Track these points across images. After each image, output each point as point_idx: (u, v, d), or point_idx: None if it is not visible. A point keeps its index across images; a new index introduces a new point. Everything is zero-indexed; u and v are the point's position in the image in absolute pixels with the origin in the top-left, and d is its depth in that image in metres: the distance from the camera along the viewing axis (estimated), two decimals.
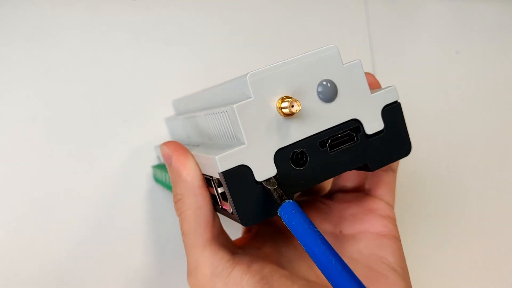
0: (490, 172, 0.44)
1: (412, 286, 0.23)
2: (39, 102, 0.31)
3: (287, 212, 0.18)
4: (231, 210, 0.19)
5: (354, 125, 0.20)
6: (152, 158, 0.32)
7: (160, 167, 0.30)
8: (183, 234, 0.22)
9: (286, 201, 0.18)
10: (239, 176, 0.18)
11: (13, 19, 0.31)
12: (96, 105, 0.32)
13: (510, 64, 0.47)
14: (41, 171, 0.30)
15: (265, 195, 0.19)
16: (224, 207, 0.20)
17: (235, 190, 0.18)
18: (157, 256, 0.32)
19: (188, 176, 0.21)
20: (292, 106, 0.18)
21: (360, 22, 0.42)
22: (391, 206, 0.25)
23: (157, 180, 0.31)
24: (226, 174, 0.18)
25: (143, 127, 0.33)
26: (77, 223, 0.31)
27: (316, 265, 0.17)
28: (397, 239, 0.24)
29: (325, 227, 0.25)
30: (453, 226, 0.42)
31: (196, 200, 0.21)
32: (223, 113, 0.20)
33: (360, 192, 0.26)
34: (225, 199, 0.20)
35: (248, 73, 0.18)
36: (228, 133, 0.20)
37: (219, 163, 0.18)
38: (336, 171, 0.20)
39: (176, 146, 0.22)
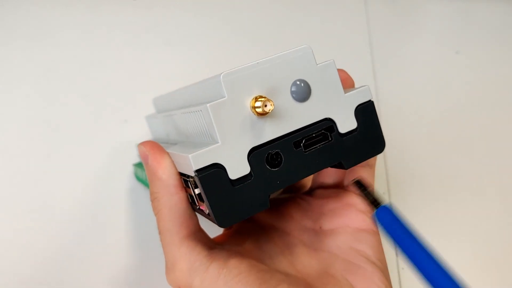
0: (490, 172, 0.44)
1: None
2: (39, 102, 0.31)
3: (386, 216, 0.18)
4: (208, 211, 0.20)
5: (328, 125, 0.20)
6: None
7: (141, 165, 0.30)
8: (159, 232, 0.22)
9: (382, 205, 0.18)
10: (213, 176, 0.19)
11: (13, 19, 0.31)
12: (96, 105, 0.32)
13: (510, 64, 0.47)
14: (37, 171, 0.30)
15: (241, 195, 0.19)
16: (201, 207, 0.21)
17: (210, 190, 0.19)
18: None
19: (164, 174, 0.21)
20: (265, 106, 0.18)
21: (360, 22, 0.42)
22: None
23: (138, 178, 0.31)
24: (200, 175, 0.18)
25: (145, 127, 0.33)
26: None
27: (416, 269, 0.17)
28: (375, 233, 0.24)
29: (305, 223, 0.26)
30: (453, 227, 0.42)
31: (172, 198, 0.21)
32: (197, 112, 0.20)
33: (339, 188, 0.26)
34: (202, 200, 0.20)
35: (221, 73, 0.19)
36: (203, 132, 0.20)
37: (193, 162, 0.18)
38: (310, 171, 0.20)
39: (152, 145, 0.23)
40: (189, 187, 0.21)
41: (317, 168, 0.21)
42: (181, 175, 0.21)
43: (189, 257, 0.21)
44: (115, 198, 0.32)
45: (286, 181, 0.20)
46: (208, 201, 0.19)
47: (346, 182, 0.26)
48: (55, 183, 0.30)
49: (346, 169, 0.21)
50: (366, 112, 0.21)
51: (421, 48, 0.44)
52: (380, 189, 0.39)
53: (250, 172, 0.19)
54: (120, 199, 0.32)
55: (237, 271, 0.20)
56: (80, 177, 0.31)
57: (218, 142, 0.19)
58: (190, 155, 0.18)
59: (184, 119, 0.22)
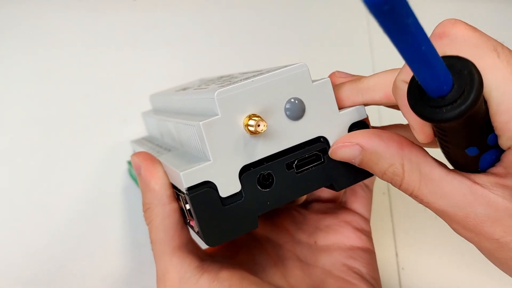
0: None
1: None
2: (39, 101, 0.31)
3: None
4: (197, 229, 0.20)
5: (322, 147, 0.20)
6: None
7: None
8: (151, 242, 0.22)
9: None
10: (204, 195, 0.18)
11: (13, 19, 0.31)
12: (96, 104, 0.32)
13: None
14: (35, 170, 0.31)
15: (231, 215, 0.19)
16: (191, 223, 0.20)
17: (200, 209, 0.19)
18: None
19: (156, 185, 0.21)
20: (258, 126, 0.18)
21: (360, 22, 0.42)
22: (366, 219, 0.26)
23: (131, 175, 0.31)
24: (191, 194, 0.18)
25: (143, 126, 0.33)
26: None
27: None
28: (371, 251, 0.24)
29: (299, 236, 0.25)
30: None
31: (164, 209, 0.21)
32: (191, 126, 0.20)
33: (336, 202, 0.27)
34: (192, 216, 0.20)
35: (216, 91, 0.18)
36: (196, 146, 0.20)
37: (184, 179, 0.18)
38: (301, 192, 0.20)
39: (145, 156, 0.23)
40: (180, 201, 0.21)
41: (308, 190, 0.20)
42: (174, 187, 0.21)
43: (180, 268, 0.21)
44: (111, 197, 0.32)
45: (277, 202, 0.20)
46: (198, 220, 0.19)
47: (343, 199, 0.26)
48: (54, 182, 0.31)
49: (337, 191, 0.21)
50: None
51: None
52: (380, 190, 0.39)
53: (241, 191, 0.19)
54: (115, 197, 0.32)
55: (228, 284, 0.21)
56: (80, 176, 0.31)
57: (209, 160, 0.19)
58: (181, 173, 0.18)
59: (178, 129, 0.22)
